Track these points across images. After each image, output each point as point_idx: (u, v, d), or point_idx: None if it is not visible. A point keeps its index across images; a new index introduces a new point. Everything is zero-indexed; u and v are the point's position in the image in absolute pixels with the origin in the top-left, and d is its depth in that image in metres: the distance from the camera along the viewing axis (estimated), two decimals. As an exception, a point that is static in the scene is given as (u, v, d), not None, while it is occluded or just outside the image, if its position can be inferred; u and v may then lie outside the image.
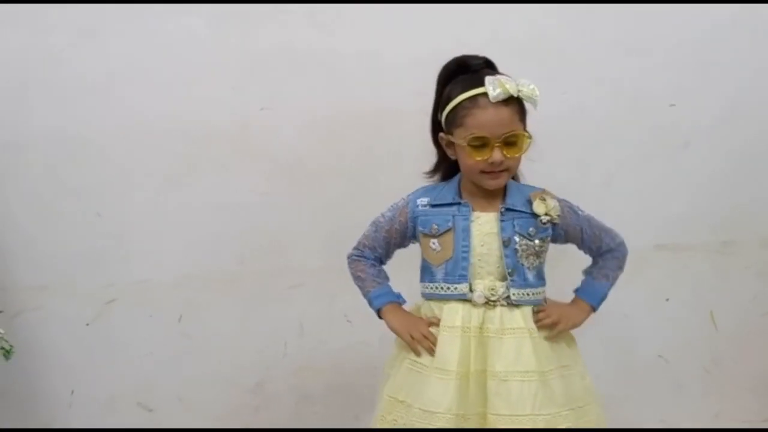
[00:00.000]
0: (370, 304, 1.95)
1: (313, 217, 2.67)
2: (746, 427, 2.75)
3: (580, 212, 1.90)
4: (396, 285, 1.98)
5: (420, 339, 1.81)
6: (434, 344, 1.79)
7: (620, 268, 1.95)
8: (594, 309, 1.90)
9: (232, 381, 2.71)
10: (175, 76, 2.60)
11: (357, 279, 1.99)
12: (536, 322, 1.80)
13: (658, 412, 2.78)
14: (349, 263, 2.00)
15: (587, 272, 1.95)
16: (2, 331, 2.17)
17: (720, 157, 2.74)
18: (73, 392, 2.68)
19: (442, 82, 1.85)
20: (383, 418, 1.81)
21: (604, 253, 1.93)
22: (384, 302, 1.93)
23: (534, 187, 1.87)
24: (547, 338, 1.79)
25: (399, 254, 1.99)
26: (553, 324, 1.80)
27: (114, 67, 2.58)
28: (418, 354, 1.81)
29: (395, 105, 2.62)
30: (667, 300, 2.77)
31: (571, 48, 2.64)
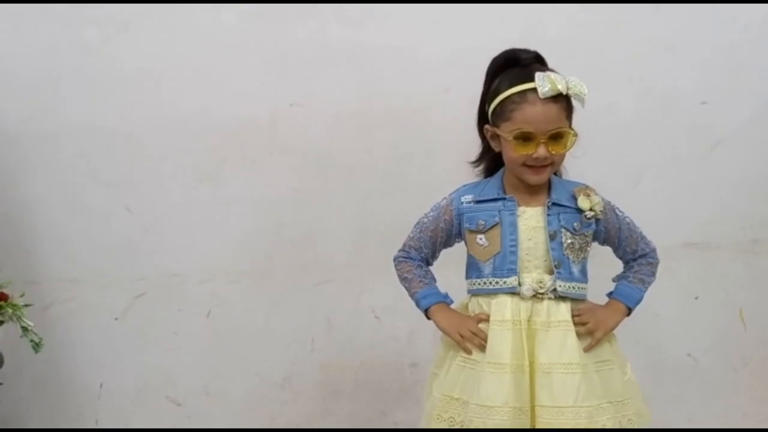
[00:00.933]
0: (418, 304, 1.94)
1: (342, 212, 2.68)
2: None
3: (620, 213, 1.92)
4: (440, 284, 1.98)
5: (470, 337, 1.81)
6: (484, 341, 1.79)
7: (653, 274, 1.95)
8: (630, 311, 1.90)
9: (259, 376, 2.71)
10: (206, 71, 2.61)
11: (404, 280, 1.97)
12: (574, 325, 1.80)
13: (686, 411, 2.76)
14: (395, 265, 1.99)
15: (622, 277, 1.95)
16: (32, 324, 2.19)
17: (750, 156, 2.72)
18: (101, 385, 2.69)
19: (491, 74, 1.85)
20: (439, 417, 1.81)
21: (639, 257, 1.94)
22: (431, 302, 1.92)
23: (577, 182, 1.89)
24: (586, 349, 1.79)
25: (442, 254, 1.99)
26: (590, 332, 1.80)
27: (146, 60, 2.60)
28: (468, 352, 1.81)
29: (425, 100, 2.63)
30: (696, 299, 2.76)
31: (603, 46, 2.63)
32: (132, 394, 2.70)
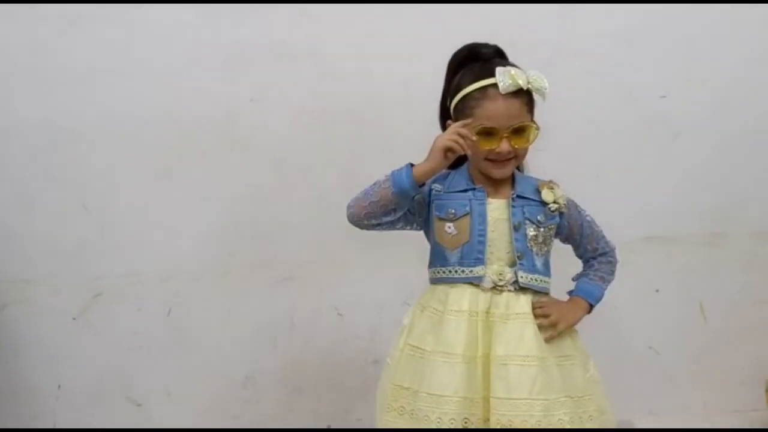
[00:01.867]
0: (399, 178, 1.76)
1: (303, 209, 2.66)
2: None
3: (582, 210, 1.93)
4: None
5: (459, 134, 1.72)
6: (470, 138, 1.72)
7: (613, 273, 1.97)
8: (591, 309, 1.91)
9: (221, 375, 2.69)
10: (163, 68, 2.58)
11: (366, 195, 1.81)
12: (535, 317, 1.79)
13: (647, 403, 2.79)
14: (350, 209, 1.84)
15: (583, 275, 1.96)
16: (-13, 325, 2.16)
17: (710, 149, 2.75)
18: (59, 386, 2.65)
19: (453, 69, 1.85)
20: (389, 406, 1.80)
21: (599, 256, 1.96)
22: (405, 166, 1.79)
23: (538, 178, 1.89)
24: (547, 339, 1.78)
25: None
26: (552, 324, 1.79)
27: (102, 57, 2.56)
28: (464, 150, 1.73)
29: (385, 96, 2.62)
30: (657, 291, 2.78)
31: (562, 39, 2.64)
32: (91, 395, 2.65)
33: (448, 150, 1.73)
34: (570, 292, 1.94)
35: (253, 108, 2.62)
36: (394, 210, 1.80)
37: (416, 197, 1.80)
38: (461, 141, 1.73)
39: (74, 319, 2.64)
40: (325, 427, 2.71)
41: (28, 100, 2.55)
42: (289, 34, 2.60)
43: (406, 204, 1.80)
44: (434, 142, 1.76)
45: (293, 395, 2.71)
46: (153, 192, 2.63)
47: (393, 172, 1.79)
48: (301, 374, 2.71)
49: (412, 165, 1.78)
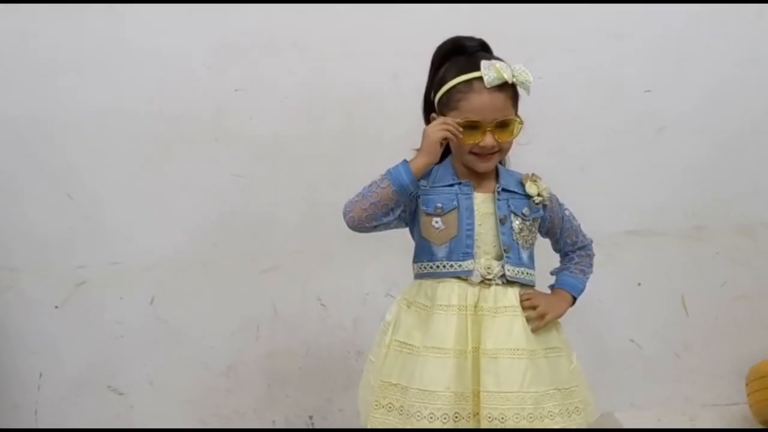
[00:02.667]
0: (396, 176, 1.76)
1: (288, 200, 2.66)
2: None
3: (562, 205, 1.95)
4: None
5: (447, 124, 1.73)
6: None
7: (591, 266, 1.98)
8: (574, 300, 1.92)
9: (204, 364, 2.69)
10: (150, 57, 2.57)
11: (364, 197, 1.79)
12: (522, 309, 1.80)
13: (629, 396, 2.79)
14: (347, 209, 1.81)
15: (563, 268, 1.97)
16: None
17: (694, 144, 2.75)
18: (41, 375, 2.64)
19: (437, 62, 1.85)
20: (378, 403, 1.78)
21: (578, 249, 1.97)
22: (401, 163, 1.80)
23: (521, 173, 1.90)
24: (534, 330, 1.78)
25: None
26: (540, 315, 1.80)
27: (88, 47, 2.54)
28: (459, 136, 1.75)
29: (372, 87, 2.62)
30: (639, 285, 2.79)
31: (548, 33, 2.63)
32: (73, 384, 2.65)
33: (442, 140, 1.75)
34: (551, 286, 1.95)
35: (239, 100, 2.61)
36: (392, 209, 1.79)
37: (413, 193, 1.80)
38: (452, 129, 1.74)
39: (57, 307, 2.63)
40: (308, 416, 2.71)
41: (13, 90, 2.54)
42: (277, 27, 2.59)
43: (404, 201, 1.80)
44: (426, 135, 1.76)
45: (276, 386, 2.71)
46: (138, 182, 2.62)
47: (389, 171, 1.78)
48: (284, 365, 2.71)
49: (406, 161, 1.78)
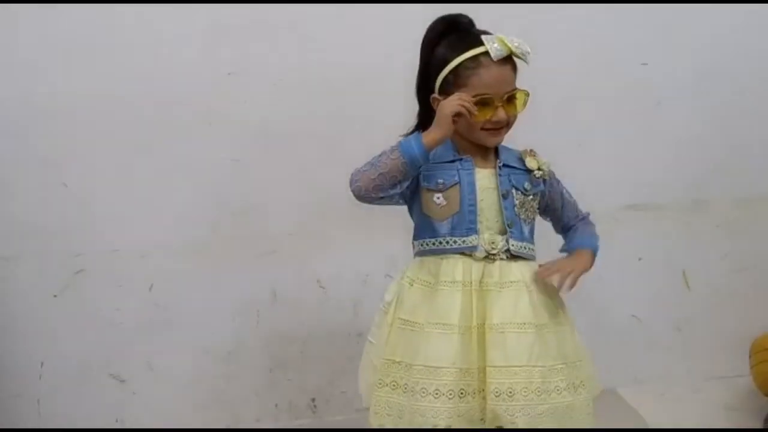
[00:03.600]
0: (407, 149, 1.72)
1: (284, 182, 2.64)
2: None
3: (559, 181, 1.95)
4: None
5: (463, 100, 1.71)
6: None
7: (595, 234, 1.97)
8: (594, 254, 1.90)
9: (204, 350, 2.68)
10: (141, 42, 2.54)
11: (373, 167, 1.76)
12: (545, 273, 1.79)
13: (631, 370, 2.81)
14: (353, 180, 1.79)
15: (571, 237, 1.96)
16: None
17: (691, 117, 2.75)
18: (42, 364, 2.64)
19: (432, 42, 1.82)
20: (381, 381, 1.77)
21: (579, 221, 1.97)
22: (412, 135, 1.79)
23: (518, 149, 1.89)
24: (571, 286, 1.78)
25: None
26: (570, 271, 1.79)
27: (79, 33, 2.51)
28: (473, 113, 1.72)
29: (365, 68, 2.59)
30: (640, 260, 2.79)
31: (541, 6, 2.61)
32: (74, 371, 2.64)
33: (456, 115, 1.71)
34: (565, 250, 1.95)
35: (232, 82, 2.58)
36: (400, 182, 1.76)
37: (422, 166, 1.77)
38: (467, 105, 1.71)
39: (55, 296, 2.62)
40: (310, 399, 2.72)
41: (5, 78, 2.51)
42: (269, 7, 2.56)
43: (413, 174, 1.77)
44: (440, 109, 1.73)
45: (277, 369, 2.71)
46: (133, 168, 2.60)
47: (401, 142, 1.76)
48: (285, 348, 2.71)
49: (419, 133, 1.76)
